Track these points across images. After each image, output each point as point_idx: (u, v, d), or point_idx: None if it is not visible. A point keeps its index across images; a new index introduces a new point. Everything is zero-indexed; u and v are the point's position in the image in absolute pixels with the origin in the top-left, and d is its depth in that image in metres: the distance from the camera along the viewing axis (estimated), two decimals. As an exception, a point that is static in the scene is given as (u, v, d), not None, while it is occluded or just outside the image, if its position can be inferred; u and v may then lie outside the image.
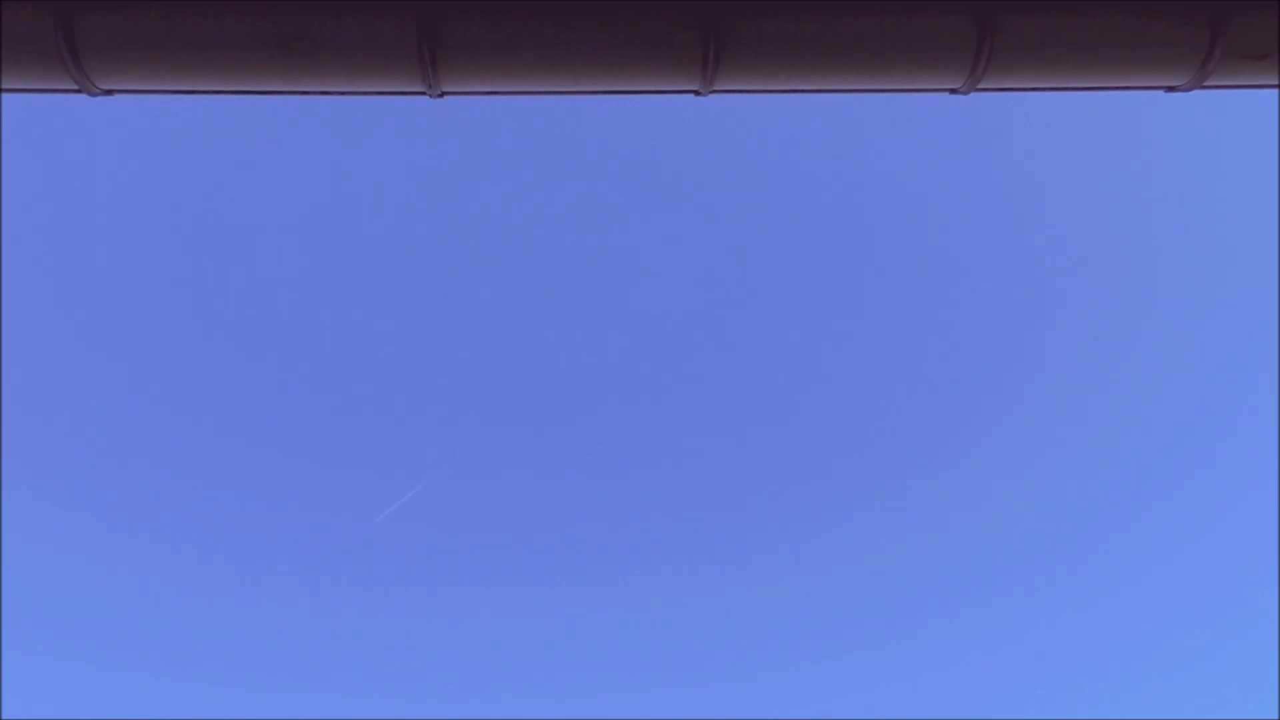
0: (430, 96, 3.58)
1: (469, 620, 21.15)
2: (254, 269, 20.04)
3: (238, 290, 20.13)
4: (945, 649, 21.31)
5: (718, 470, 21.59)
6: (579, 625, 21.27)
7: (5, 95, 3.62)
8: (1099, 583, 21.05)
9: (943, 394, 21.08)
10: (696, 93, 3.63)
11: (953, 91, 3.67)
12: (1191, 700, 19.75)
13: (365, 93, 3.59)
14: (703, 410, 21.48)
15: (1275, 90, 3.71)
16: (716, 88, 3.59)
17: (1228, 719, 19.39)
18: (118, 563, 19.89)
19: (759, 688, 21.02)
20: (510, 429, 21.35)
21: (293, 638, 20.53)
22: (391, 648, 20.75)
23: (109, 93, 3.58)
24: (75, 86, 3.50)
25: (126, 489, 19.99)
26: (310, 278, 20.48)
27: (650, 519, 21.61)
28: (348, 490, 20.93)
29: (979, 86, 3.61)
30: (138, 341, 19.72)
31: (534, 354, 21.32)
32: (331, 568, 20.76)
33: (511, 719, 20.94)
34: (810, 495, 21.59)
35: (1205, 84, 3.63)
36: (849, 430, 21.35)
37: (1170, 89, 3.70)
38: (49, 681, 19.37)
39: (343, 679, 20.56)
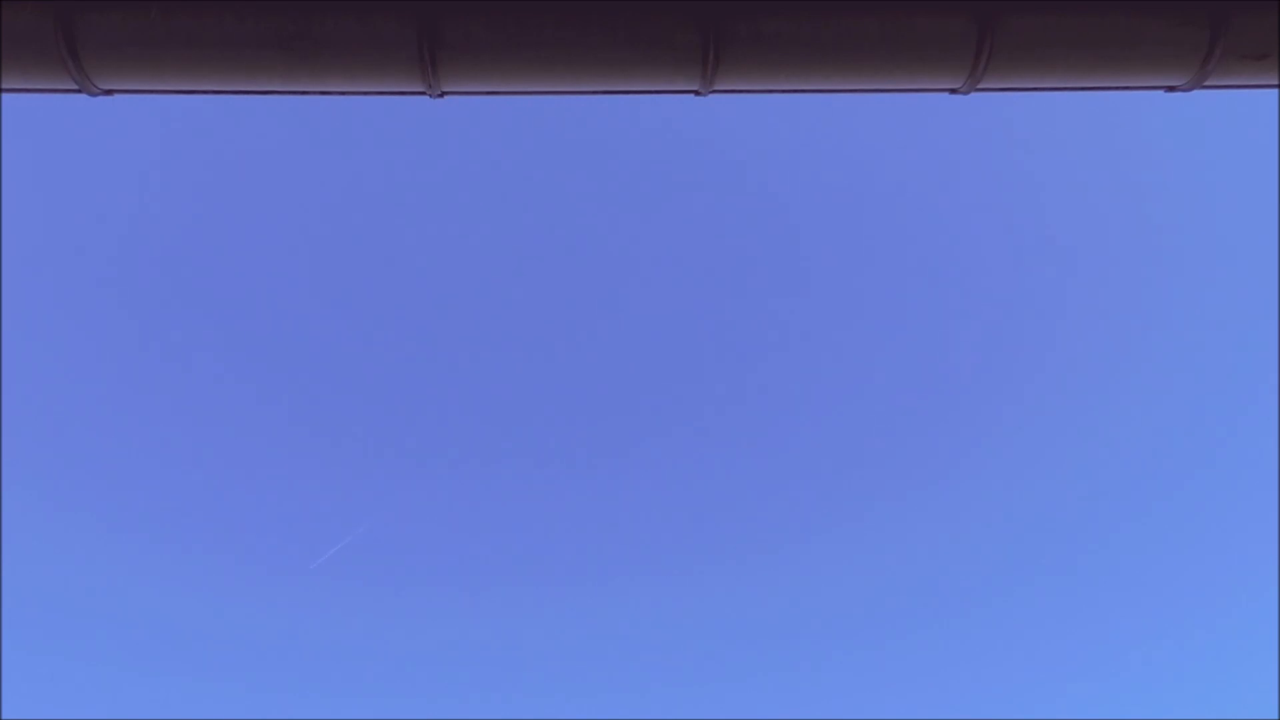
0: (430, 96, 3.58)
1: (468, 621, 21.15)
2: (253, 269, 20.04)
3: (236, 290, 20.13)
4: (945, 649, 21.31)
5: (719, 470, 21.59)
6: (580, 626, 21.26)
7: (5, 95, 3.61)
8: (1099, 583, 21.06)
9: (942, 394, 21.08)
10: (696, 93, 3.62)
11: (953, 91, 3.66)
12: (1192, 700, 19.75)
13: (365, 93, 3.59)
14: (702, 410, 21.49)
15: (1275, 90, 3.71)
16: (716, 88, 3.59)
17: (1228, 719, 19.40)
18: (118, 563, 19.89)
19: (759, 688, 21.02)
20: (510, 429, 21.35)
21: (292, 637, 20.53)
22: (389, 648, 20.75)
23: (109, 93, 3.58)
24: (75, 86, 3.50)
25: (126, 489, 19.99)
26: (310, 278, 20.48)
27: (650, 520, 21.61)
28: (346, 489, 20.93)
29: (979, 86, 3.61)
30: (137, 341, 19.71)
31: (534, 354, 21.32)
32: (331, 567, 20.76)
33: (511, 719, 20.95)
34: (810, 495, 21.60)
35: (1205, 84, 3.63)
36: (849, 430, 21.35)
37: (1170, 89, 3.70)
38: (49, 681, 19.37)
39: (342, 679, 20.56)
